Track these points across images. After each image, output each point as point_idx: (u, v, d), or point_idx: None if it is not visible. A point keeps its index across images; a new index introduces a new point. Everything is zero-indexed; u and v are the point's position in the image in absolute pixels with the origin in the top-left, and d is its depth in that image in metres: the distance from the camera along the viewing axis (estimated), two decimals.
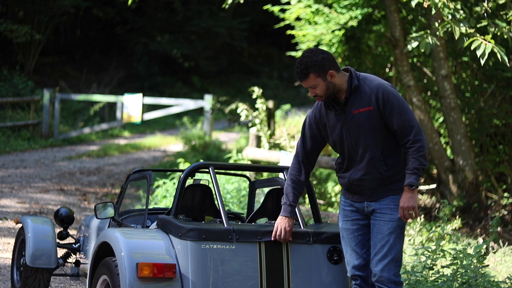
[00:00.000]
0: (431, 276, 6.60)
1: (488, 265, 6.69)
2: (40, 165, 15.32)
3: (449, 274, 6.49)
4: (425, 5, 8.58)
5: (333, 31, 12.76)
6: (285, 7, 13.60)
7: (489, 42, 8.04)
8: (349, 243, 5.00)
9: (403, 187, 4.85)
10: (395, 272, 4.85)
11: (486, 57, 7.97)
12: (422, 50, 8.35)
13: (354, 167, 4.95)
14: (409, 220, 4.98)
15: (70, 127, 21.12)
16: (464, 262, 6.44)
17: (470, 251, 7.46)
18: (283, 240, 4.99)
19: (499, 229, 9.39)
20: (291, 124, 21.09)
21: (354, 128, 4.89)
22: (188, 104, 19.92)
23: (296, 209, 5.26)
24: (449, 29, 8.38)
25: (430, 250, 6.70)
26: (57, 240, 6.57)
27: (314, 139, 5.06)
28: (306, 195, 8.11)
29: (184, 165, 11.08)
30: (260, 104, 11.91)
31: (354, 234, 4.98)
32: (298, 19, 13.75)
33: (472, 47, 8.08)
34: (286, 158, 8.78)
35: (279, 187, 5.78)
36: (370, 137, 4.87)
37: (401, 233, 4.89)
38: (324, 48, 13.46)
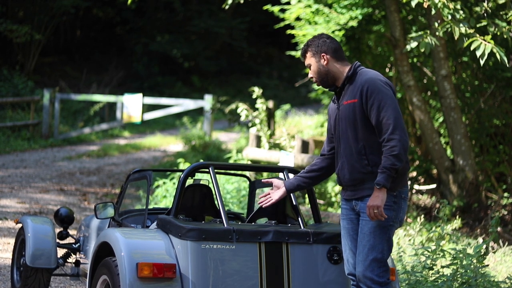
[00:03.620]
0: (431, 276, 6.60)
1: (488, 265, 6.69)
2: (40, 165, 15.32)
3: (449, 274, 6.49)
4: (425, 5, 8.58)
5: (333, 32, 12.76)
6: (285, 7, 13.60)
7: (488, 42, 8.04)
8: (346, 241, 4.99)
9: (390, 186, 4.76)
10: (379, 273, 4.79)
11: (485, 57, 7.97)
12: (422, 50, 8.35)
13: (340, 160, 4.96)
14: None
15: (70, 127, 21.12)
16: (464, 262, 6.44)
17: (470, 251, 7.47)
18: (259, 203, 5.15)
19: (499, 229, 9.40)
20: (291, 124, 21.10)
21: (342, 119, 4.92)
22: (188, 104, 19.92)
23: (296, 209, 5.26)
24: (449, 29, 8.38)
25: (430, 250, 6.71)
26: (57, 240, 6.57)
27: (329, 130, 5.13)
28: (306, 195, 8.12)
29: (184, 165, 11.08)
30: (260, 104, 11.91)
31: (350, 233, 4.96)
32: (298, 19, 13.75)
33: (472, 48, 8.08)
34: (286, 158, 8.77)
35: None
36: (352, 130, 4.87)
37: (382, 232, 4.79)
38: None
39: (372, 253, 4.80)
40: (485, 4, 9.05)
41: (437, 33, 8.71)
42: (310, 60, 5.01)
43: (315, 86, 15.35)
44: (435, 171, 11.80)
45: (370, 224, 4.81)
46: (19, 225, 7.76)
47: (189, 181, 5.69)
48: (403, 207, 4.88)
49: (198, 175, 6.41)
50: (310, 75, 5.04)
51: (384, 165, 4.69)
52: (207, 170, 5.48)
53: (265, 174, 10.60)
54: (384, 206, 4.77)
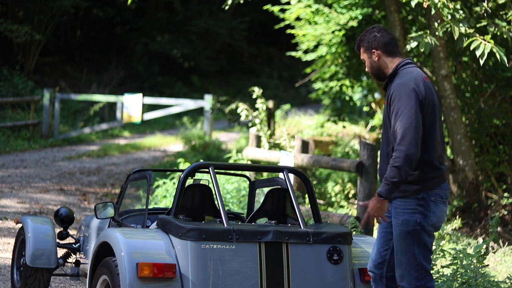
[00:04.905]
0: None
1: (488, 265, 6.69)
2: (40, 165, 15.32)
3: (449, 274, 6.49)
4: (425, 5, 8.58)
5: (333, 32, 12.76)
6: (285, 7, 13.61)
7: (488, 42, 8.04)
8: (377, 238, 5.03)
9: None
10: (416, 276, 4.80)
11: (485, 57, 7.97)
12: (422, 50, 8.35)
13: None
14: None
15: (70, 127, 21.12)
16: (464, 262, 6.44)
17: (470, 251, 7.47)
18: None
19: (499, 229, 9.40)
20: (291, 124, 21.09)
21: (383, 119, 4.97)
22: (188, 104, 19.92)
23: (296, 209, 5.27)
24: (449, 29, 8.38)
25: None
26: (57, 240, 6.57)
27: None
28: (306, 195, 8.12)
29: (184, 165, 11.08)
30: (260, 104, 11.91)
31: (380, 231, 4.99)
32: (298, 19, 13.76)
33: (472, 47, 8.08)
34: (286, 158, 8.78)
35: (279, 187, 5.78)
36: (385, 131, 4.91)
37: (410, 237, 4.78)
38: (324, 48, 13.47)
39: (404, 257, 4.81)
40: (485, 4, 9.05)
41: (436, 33, 8.71)
42: (363, 55, 5.05)
43: (315, 86, 15.34)
44: None
45: (397, 230, 4.82)
46: (19, 225, 7.76)
47: (189, 181, 5.69)
48: (435, 211, 4.81)
49: (198, 175, 6.42)
50: (366, 69, 5.08)
51: (386, 175, 4.70)
52: (207, 170, 5.48)
53: (265, 174, 10.60)
54: (407, 210, 4.77)
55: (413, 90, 4.76)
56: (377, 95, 16.31)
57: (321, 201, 11.07)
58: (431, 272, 6.60)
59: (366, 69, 5.09)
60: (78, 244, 6.62)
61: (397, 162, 4.65)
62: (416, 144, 4.68)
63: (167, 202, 10.11)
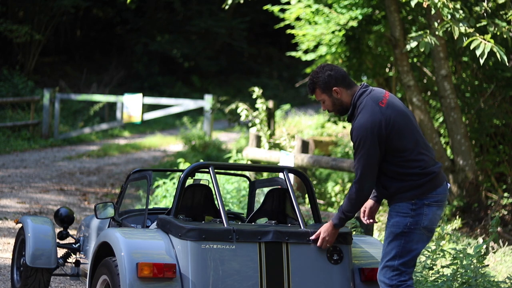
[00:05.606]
0: (431, 276, 6.60)
1: (488, 265, 6.69)
2: (40, 165, 15.32)
3: (449, 274, 6.49)
4: (425, 5, 8.59)
5: (333, 32, 12.76)
6: (285, 7, 13.61)
7: (488, 41, 8.04)
8: None
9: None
10: (390, 276, 4.89)
11: (485, 56, 7.97)
12: (422, 50, 8.35)
13: None
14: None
15: (70, 127, 21.12)
16: (464, 262, 6.44)
17: (470, 251, 7.47)
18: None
19: (499, 229, 9.40)
20: (291, 124, 21.11)
21: None
22: (188, 104, 19.92)
23: (296, 209, 5.26)
24: (449, 28, 8.39)
25: (430, 250, 6.71)
26: (57, 240, 6.57)
27: None
28: (306, 195, 8.12)
29: (184, 165, 11.08)
30: (260, 104, 11.91)
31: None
32: (298, 19, 13.76)
33: (472, 47, 8.08)
34: (286, 158, 8.78)
35: (279, 187, 5.78)
36: None
37: (396, 239, 4.89)
38: (324, 48, 13.47)
39: (385, 257, 4.94)
40: (485, 4, 9.05)
41: (436, 33, 8.71)
42: (322, 96, 5.03)
43: None
44: None
45: (387, 230, 4.96)
46: (19, 225, 7.76)
47: (189, 181, 5.69)
48: (428, 213, 4.91)
49: (198, 175, 6.42)
50: (324, 109, 5.08)
51: (343, 208, 4.97)
52: (207, 170, 5.48)
53: (265, 174, 10.60)
54: (400, 213, 4.90)
55: (369, 131, 4.84)
56: None
57: (321, 201, 11.07)
58: (431, 272, 6.62)
59: (324, 109, 5.09)
60: (78, 244, 6.62)
61: (348, 196, 4.93)
62: (371, 184, 4.92)
63: (167, 202, 10.11)
